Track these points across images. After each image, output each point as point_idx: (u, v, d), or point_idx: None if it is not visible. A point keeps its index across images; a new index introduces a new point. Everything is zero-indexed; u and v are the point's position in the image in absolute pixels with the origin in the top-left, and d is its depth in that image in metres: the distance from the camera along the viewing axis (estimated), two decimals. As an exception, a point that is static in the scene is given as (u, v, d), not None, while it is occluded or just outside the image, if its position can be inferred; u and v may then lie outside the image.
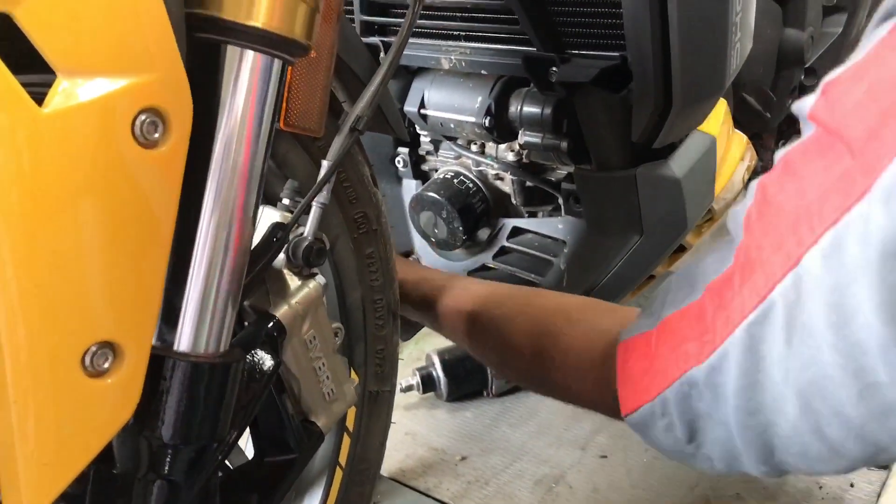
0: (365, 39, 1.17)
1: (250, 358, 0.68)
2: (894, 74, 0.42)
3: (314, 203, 0.73)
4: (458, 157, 1.31)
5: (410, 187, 1.39)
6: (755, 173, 1.64)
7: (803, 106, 0.48)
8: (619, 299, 1.20)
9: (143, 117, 0.49)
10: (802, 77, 1.57)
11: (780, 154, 0.50)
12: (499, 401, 1.59)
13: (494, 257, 1.32)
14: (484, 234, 1.34)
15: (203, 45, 0.57)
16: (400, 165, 1.38)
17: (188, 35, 0.56)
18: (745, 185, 1.54)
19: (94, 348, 0.51)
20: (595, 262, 1.15)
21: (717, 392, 0.53)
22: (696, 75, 0.90)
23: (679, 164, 1.02)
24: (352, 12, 1.16)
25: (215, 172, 0.58)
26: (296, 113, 0.70)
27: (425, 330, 1.46)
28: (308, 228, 0.73)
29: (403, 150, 1.35)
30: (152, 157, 0.51)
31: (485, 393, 1.60)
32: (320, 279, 0.75)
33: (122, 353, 0.52)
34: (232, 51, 0.57)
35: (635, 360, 0.62)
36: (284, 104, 0.69)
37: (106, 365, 0.51)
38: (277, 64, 0.60)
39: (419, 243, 1.39)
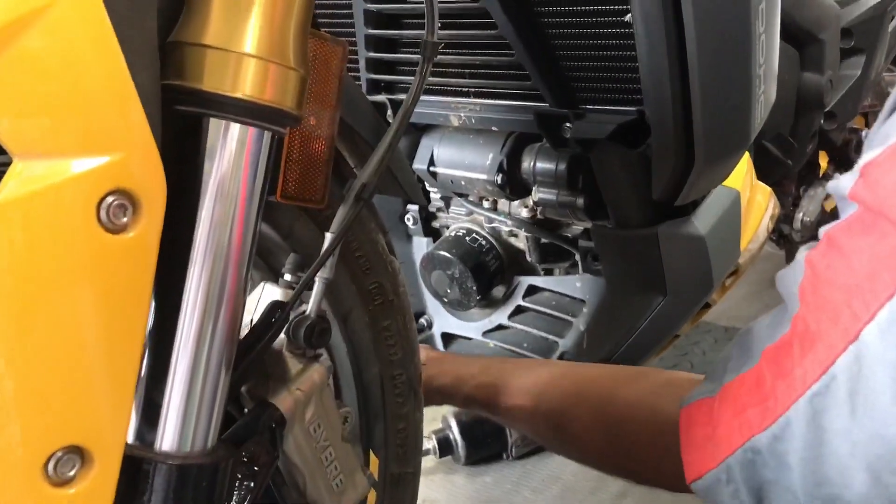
0: (371, 98, 1.13)
1: (247, 451, 0.63)
2: None
3: (317, 279, 0.68)
4: (470, 213, 1.27)
5: (421, 245, 1.34)
6: (777, 221, 1.59)
7: (841, 186, 0.50)
8: (643, 361, 1.14)
9: (109, 200, 0.45)
10: (822, 121, 1.53)
11: (822, 231, 0.51)
12: (519, 464, 1.52)
13: (510, 317, 1.27)
14: (499, 292, 1.29)
15: (184, 118, 0.53)
16: (410, 223, 1.33)
17: (167, 108, 0.51)
18: (770, 236, 1.49)
19: (59, 454, 0.46)
20: (617, 324, 1.09)
21: (781, 460, 0.53)
22: (720, 131, 0.85)
23: (703, 220, 0.97)
24: (357, 70, 1.12)
25: (198, 254, 0.54)
26: (294, 184, 0.65)
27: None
28: (311, 306, 0.68)
29: (413, 208, 1.31)
30: (121, 243, 0.46)
31: (504, 456, 1.54)
32: (325, 361, 0.70)
33: (91, 458, 0.47)
34: (215, 123, 0.53)
35: (699, 426, 0.62)
36: (281, 175, 0.64)
37: (72, 472, 0.47)
38: (267, 135, 0.55)
39: (431, 304, 1.34)
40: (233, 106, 0.53)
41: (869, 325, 0.45)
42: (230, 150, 0.54)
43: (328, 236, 0.68)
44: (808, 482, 0.52)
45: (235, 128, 0.54)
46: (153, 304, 0.57)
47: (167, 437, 0.54)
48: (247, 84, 0.53)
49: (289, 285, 0.69)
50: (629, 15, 0.85)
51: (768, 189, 1.21)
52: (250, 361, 0.64)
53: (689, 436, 0.63)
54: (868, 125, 2.04)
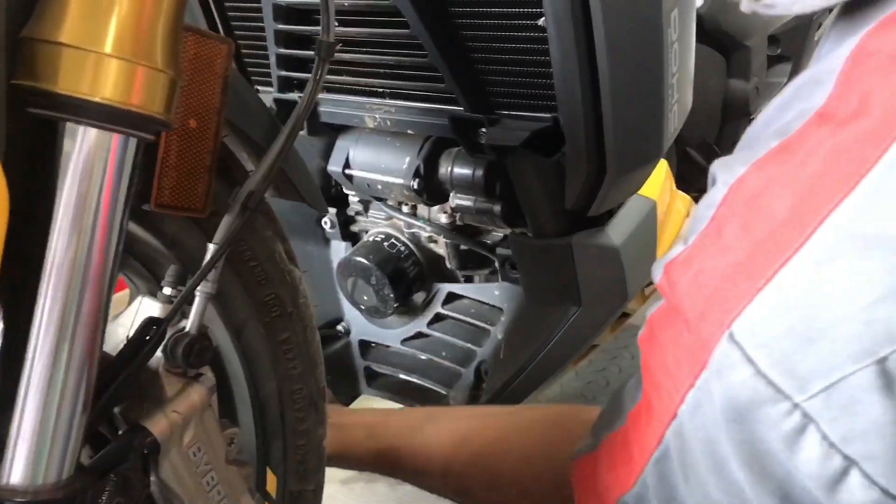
0: (283, 96, 1.09)
1: (114, 480, 0.58)
2: (712, 265, 0.48)
3: (198, 293, 0.64)
4: (389, 217, 1.23)
5: (339, 250, 1.30)
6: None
7: (654, 275, 0.55)
8: (560, 370, 1.12)
9: (-63, 218, 0.41)
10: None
11: (648, 314, 0.56)
12: (441, 471, 1.49)
13: (429, 324, 1.24)
14: (418, 298, 1.26)
15: (37, 121, 0.48)
16: (327, 227, 1.29)
17: (17, 110, 0.47)
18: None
19: None
20: (533, 333, 1.07)
21: None
22: (632, 140, 0.83)
23: (617, 231, 0.95)
24: (267, 66, 1.08)
25: (51, 270, 0.49)
26: (170, 191, 0.61)
27: (364, 396, 1.37)
28: (190, 322, 0.64)
29: (331, 211, 1.26)
30: (-47, 265, 0.42)
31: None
32: (207, 380, 0.65)
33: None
34: (72, 128, 0.48)
35: (587, 480, 0.67)
36: (156, 182, 0.60)
37: None
38: (131, 141, 0.51)
39: (349, 311, 1.30)
40: (91, 110, 0.48)
41: (681, 406, 0.51)
42: (89, 157, 0.49)
43: (210, 247, 0.63)
44: None
45: (94, 133, 0.49)
46: (1, 323, 0.53)
47: (15, 470, 0.50)
48: (108, 87, 0.48)
49: (168, 299, 0.65)
50: (543, 19, 0.82)
51: (688, 198, 1.20)
52: (122, 382, 0.60)
53: (580, 489, 0.69)
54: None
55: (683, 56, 0.84)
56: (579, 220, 0.97)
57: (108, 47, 0.48)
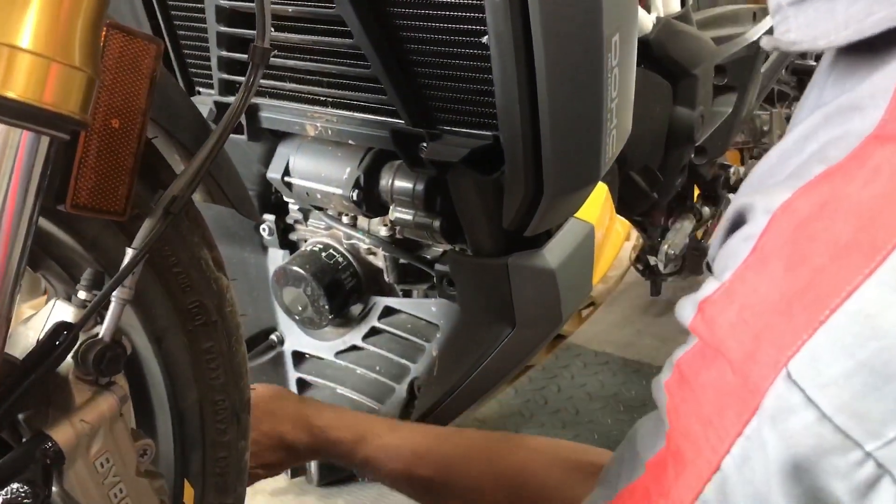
0: (223, 99, 1.07)
1: (12, 490, 0.56)
2: (760, 298, 0.45)
3: (113, 298, 0.62)
4: (329, 228, 1.21)
5: (277, 258, 1.28)
6: (643, 252, 1.60)
7: (684, 315, 0.51)
8: (493, 390, 1.12)
9: None
10: (693, 155, 1.55)
11: (674, 357, 0.53)
12: (375, 485, 1.48)
13: (364, 338, 1.23)
14: (355, 310, 1.24)
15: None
16: (265, 233, 1.27)
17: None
18: (632, 264, 1.49)
19: None
20: (467, 352, 1.06)
21: None
22: (569, 163, 0.83)
23: (554, 254, 0.95)
24: (209, 68, 1.06)
25: (-48, 270, 0.47)
26: (88, 193, 0.59)
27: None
28: (104, 329, 0.62)
29: (270, 218, 1.24)
30: None
31: (359, 477, 1.49)
32: (118, 389, 0.63)
33: None
34: (-22, 123, 0.47)
35: None
36: (72, 182, 0.58)
37: None
38: (43, 140, 0.49)
39: (284, 320, 1.28)
40: (2, 107, 0.46)
41: (726, 458, 0.47)
42: (-4, 153, 0.48)
43: (129, 251, 0.62)
44: None
45: (4, 130, 0.47)
46: None
47: None
48: (20, 83, 0.47)
49: (82, 304, 0.63)
50: (486, 37, 0.82)
51: (627, 223, 1.21)
52: (28, 387, 0.57)
53: None
54: (742, 161, 2.09)
55: (623, 81, 0.84)
56: (517, 241, 0.97)
57: (21, 41, 0.47)
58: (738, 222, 0.50)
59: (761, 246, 0.46)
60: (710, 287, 0.49)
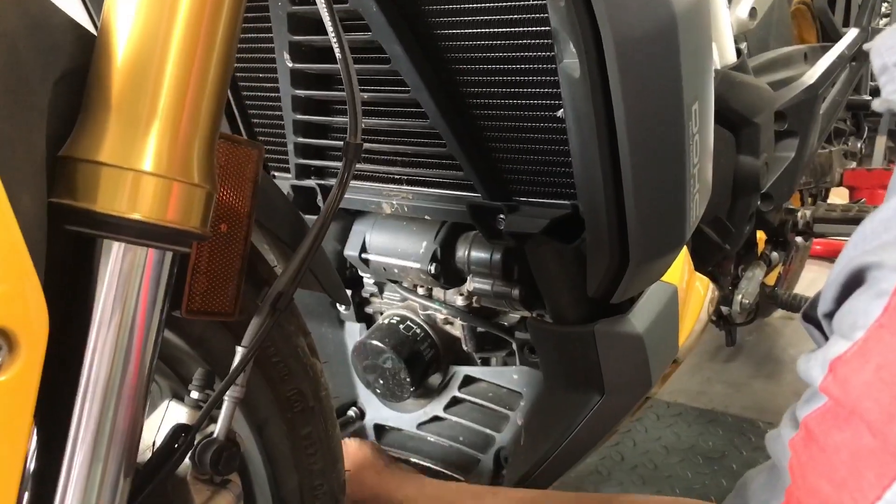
0: (300, 182, 1.09)
1: None
2: None
3: (226, 398, 0.63)
4: (404, 299, 1.22)
5: (354, 331, 1.29)
6: (717, 303, 1.58)
7: (811, 376, 0.51)
8: (583, 457, 1.11)
9: (-20, 341, 0.40)
10: (759, 203, 1.54)
11: (800, 414, 0.52)
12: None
13: (446, 408, 1.22)
14: (434, 380, 1.24)
15: (75, 238, 0.48)
16: (342, 309, 1.28)
17: (54, 227, 0.47)
18: (710, 319, 1.48)
19: None
20: (554, 420, 1.05)
21: None
22: (654, 230, 0.83)
23: (640, 318, 0.95)
24: (286, 153, 1.09)
25: (88, 385, 0.49)
26: (201, 297, 0.61)
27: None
28: (219, 428, 0.63)
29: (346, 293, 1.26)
30: (-6, 386, 0.41)
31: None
32: (234, 487, 0.65)
33: None
34: (109, 245, 0.48)
35: None
36: (186, 289, 0.59)
37: None
38: (168, 256, 0.51)
39: (364, 393, 1.28)
40: (129, 228, 0.49)
41: None
42: (126, 273, 0.50)
43: (239, 350, 0.63)
44: None
45: (131, 250, 0.49)
46: (36, 439, 0.52)
47: (46, 593, 0.49)
48: (145, 204, 0.49)
49: (195, 404, 0.64)
50: (561, 111, 0.83)
51: (706, 278, 1.20)
52: (151, 490, 0.58)
53: None
54: (802, 202, 2.07)
55: (703, 146, 0.85)
56: (600, 307, 0.97)
57: (145, 165, 0.49)
58: (859, 279, 0.49)
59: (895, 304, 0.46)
60: (839, 346, 0.49)
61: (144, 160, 0.49)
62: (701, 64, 0.81)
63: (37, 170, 0.47)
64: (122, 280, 0.49)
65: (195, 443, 0.62)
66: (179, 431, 0.60)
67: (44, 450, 0.51)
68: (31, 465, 0.51)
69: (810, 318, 0.59)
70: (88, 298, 0.49)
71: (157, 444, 0.61)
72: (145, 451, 0.61)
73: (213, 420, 0.64)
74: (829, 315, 0.54)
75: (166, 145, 0.49)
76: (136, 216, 0.48)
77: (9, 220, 0.43)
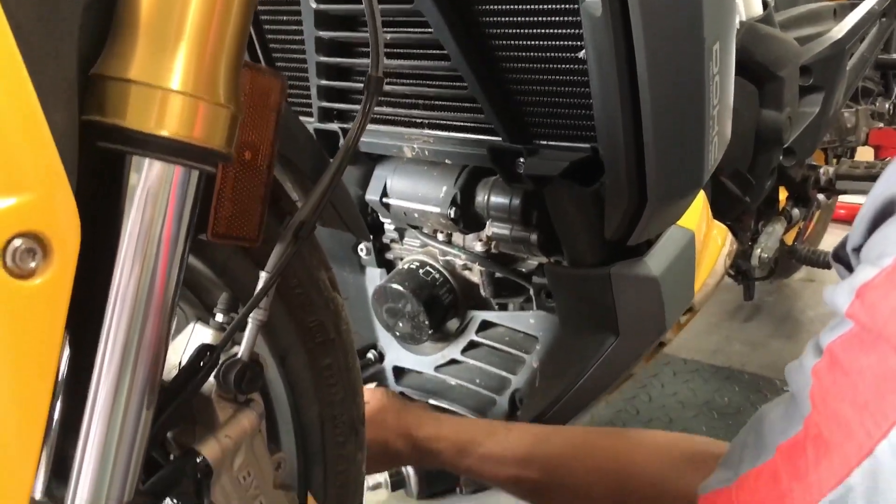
0: (323, 126, 1.11)
1: (170, 502, 0.60)
2: None
3: (250, 320, 0.65)
4: (424, 245, 1.24)
5: (374, 276, 1.31)
6: (735, 257, 1.58)
7: (837, 303, 0.51)
8: (595, 400, 1.12)
9: (16, 244, 0.43)
10: (781, 158, 1.53)
11: (823, 342, 0.53)
12: (473, 498, 1.49)
13: (463, 351, 1.25)
14: (452, 325, 1.26)
15: (105, 155, 0.50)
16: (363, 254, 1.30)
17: (86, 143, 0.49)
18: (728, 272, 1.48)
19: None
20: (569, 363, 1.07)
21: None
22: (673, 172, 0.84)
23: (656, 261, 0.96)
24: (309, 97, 1.10)
25: (117, 297, 0.51)
26: (226, 222, 0.62)
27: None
28: (243, 349, 0.65)
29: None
30: (28, 290, 0.44)
31: (458, 490, 1.51)
32: (257, 406, 0.67)
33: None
34: (138, 161, 0.50)
35: None
36: (212, 212, 0.61)
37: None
38: (193, 174, 0.52)
39: (384, 336, 1.31)
40: (157, 144, 0.50)
41: (882, 442, 0.47)
42: (154, 189, 0.51)
43: (262, 275, 0.65)
44: None
45: (159, 166, 0.51)
46: (68, 348, 0.54)
47: (80, 492, 0.51)
48: (173, 122, 0.50)
49: (220, 326, 0.66)
50: (583, 51, 0.84)
51: (724, 227, 1.20)
52: (176, 407, 0.61)
53: None
54: (827, 161, 2.06)
55: (724, 88, 0.85)
56: (617, 250, 0.98)
57: (173, 84, 0.50)
58: (889, 210, 0.50)
59: None
60: (867, 273, 0.50)
61: (172, 79, 0.50)
62: (723, 4, 0.81)
63: (69, 88, 0.49)
64: (151, 196, 0.51)
65: (219, 363, 0.64)
66: (204, 350, 0.62)
67: (75, 358, 0.54)
68: (64, 373, 0.54)
69: (840, 258, 0.59)
70: (118, 214, 0.51)
71: (183, 363, 0.64)
72: (171, 371, 0.63)
73: (237, 343, 0.66)
74: (858, 249, 0.55)
75: (193, 65, 0.51)
76: (163, 133, 0.50)
77: (44, 134, 0.45)
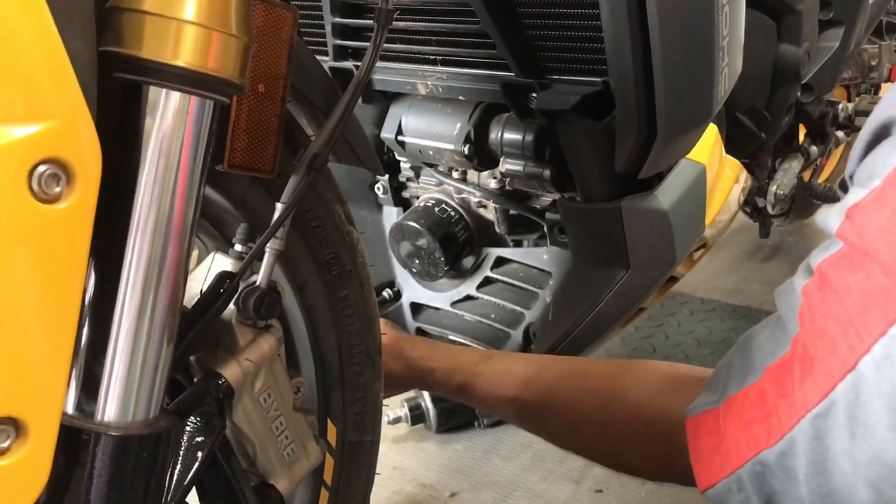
0: (338, 64, 1.12)
1: (193, 421, 0.63)
2: None
3: (267, 249, 0.68)
4: (440, 183, 1.26)
5: (391, 215, 1.33)
6: (751, 194, 1.58)
7: (829, 224, 0.53)
8: (607, 333, 1.15)
9: (41, 169, 0.45)
10: (799, 94, 1.52)
11: (814, 262, 0.54)
12: (491, 431, 1.54)
13: (479, 287, 1.27)
14: (468, 262, 1.29)
15: (123, 85, 0.52)
16: (380, 192, 1.32)
17: (104, 75, 0.50)
18: (743, 208, 1.49)
19: (-8, 428, 0.46)
20: (581, 296, 1.09)
21: (789, 474, 0.56)
22: (682, 103, 0.84)
23: (666, 195, 0.97)
24: (324, 35, 1.11)
25: (139, 223, 0.53)
26: (241, 153, 0.64)
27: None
28: (261, 277, 0.68)
29: (383, 177, 1.30)
30: (54, 213, 0.46)
31: (476, 423, 1.55)
32: (276, 331, 0.69)
33: (26, 429, 0.47)
34: (154, 91, 0.52)
35: (706, 437, 0.64)
36: (228, 143, 0.63)
37: (6, 443, 0.46)
38: (208, 104, 0.54)
39: (401, 273, 1.33)
40: (173, 74, 0.52)
41: (864, 357, 0.48)
42: (170, 119, 0.53)
43: (279, 206, 0.67)
44: (814, 494, 0.54)
45: (175, 96, 0.53)
46: (93, 273, 0.57)
47: (108, 408, 0.54)
48: (187, 52, 0.52)
49: (239, 256, 0.69)
50: (594, -16, 0.84)
51: (738, 163, 1.20)
52: (198, 331, 0.64)
53: (698, 446, 0.65)
54: (849, 98, 2.03)
55: (734, 20, 0.85)
56: (628, 184, 0.99)
57: (187, 14, 0.52)
58: (883, 134, 0.51)
59: None
60: (857, 195, 0.50)
61: (186, 9, 0.51)
62: (734, -66, 0.80)
63: (87, 19, 0.50)
64: (168, 125, 0.53)
65: (239, 289, 0.66)
66: (224, 278, 0.65)
67: (99, 283, 0.56)
68: (89, 297, 0.56)
69: (844, 187, 0.60)
70: (137, 143, 0.53)
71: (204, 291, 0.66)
72: (194, 299, 0.66)
73: (255, 273, 0.69)
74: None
75: (205, -4, 0.52)
76: (178, 63, 0.51)
77: (64, 64, 0.46)
